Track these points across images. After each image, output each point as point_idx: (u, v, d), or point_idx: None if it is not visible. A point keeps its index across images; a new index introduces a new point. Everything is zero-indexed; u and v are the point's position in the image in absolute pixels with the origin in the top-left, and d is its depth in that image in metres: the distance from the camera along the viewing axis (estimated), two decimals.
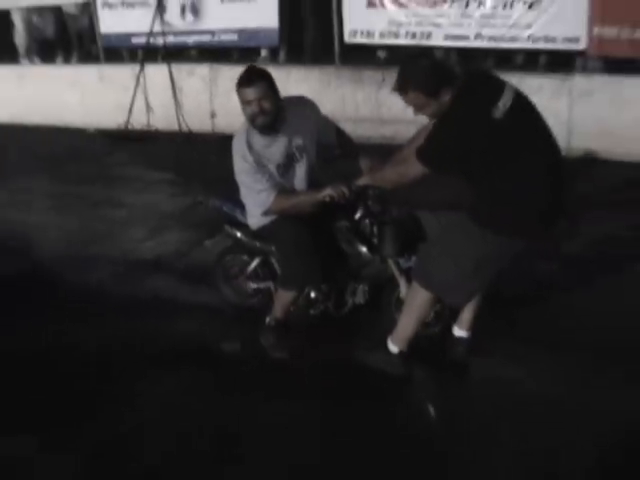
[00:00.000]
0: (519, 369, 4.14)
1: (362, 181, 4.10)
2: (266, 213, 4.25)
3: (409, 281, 4.27)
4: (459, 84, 3.51)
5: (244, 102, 4.05)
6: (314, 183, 4.33)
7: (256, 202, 4.24)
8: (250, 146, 4.12)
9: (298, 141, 4.24)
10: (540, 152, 3.57)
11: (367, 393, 4.04)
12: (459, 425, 3.74)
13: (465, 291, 3.90)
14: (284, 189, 4.22)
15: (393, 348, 4.13)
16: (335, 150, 4.56)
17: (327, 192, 4.05)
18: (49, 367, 4.42)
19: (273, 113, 4.05)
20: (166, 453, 3.64)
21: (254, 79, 4.01)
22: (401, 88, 3.57)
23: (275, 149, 4.19)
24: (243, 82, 4.03)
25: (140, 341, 4.69)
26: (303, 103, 4.36)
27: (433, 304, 3.99)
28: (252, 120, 4.07)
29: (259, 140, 4.16)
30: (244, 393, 4.07)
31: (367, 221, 4.32)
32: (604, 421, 3.67)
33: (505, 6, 8.47)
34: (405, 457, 3.54)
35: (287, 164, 4.25)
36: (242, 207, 4.48)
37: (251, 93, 4.00)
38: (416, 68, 3.57)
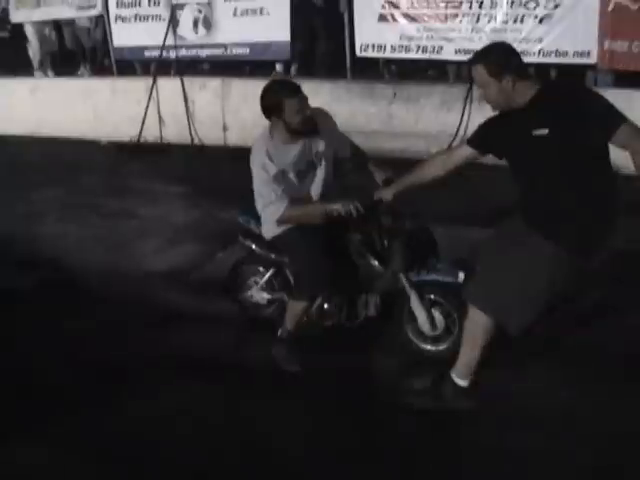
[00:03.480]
0: (532, 383, 4.16)
1: (379, 194, 4.16)
2: (278, 222, 4.29)
3: (420, 294, 4.30)
4: (541, 87, 3.54)
5: (293, 111, 4.11)
6: (328, 192, 4.39)
7: (269, 211, 4.29)
8: (270, 157, 4.16)
9: (318, 148, 4.32)
10: (608, 167, 3.59)
11: (377, 404, 4.07)
12: (468, 437, 3.76)
13: (530, 316, 3.69)
14: (297, 199, 4.25)
15: (461, 382, 3.91)
16: (347, 164, 4.60)
17: (335, 207, 4.10)
18: (62, 376, 4.45)
19: (304, 122, 4.16)
20: (178, 462, 3.67)
21: (297, 89, 4.12)
22: (473, 60, 3.63)
23: (296, 155, 4.25)
24: (291, 93, 4.11)
25: (153, 351, 4.71)
26: (322, 114, 4.41)
27: (494, 327, 3.74)
28: (302, 125, 4.15)
29: (280, 148, 4.22)
30: (255, 404, 4.09)
31: (378, 234, 4.34)
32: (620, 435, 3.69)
33: (516, 20, 8.50)
34: (414, 467, 3.57)
35: (306, 170, 4.32)
36: (256, 218, 4.52)
37: (297, 102, 4.10)
38: (491, 47, 3.69)
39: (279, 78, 4.25)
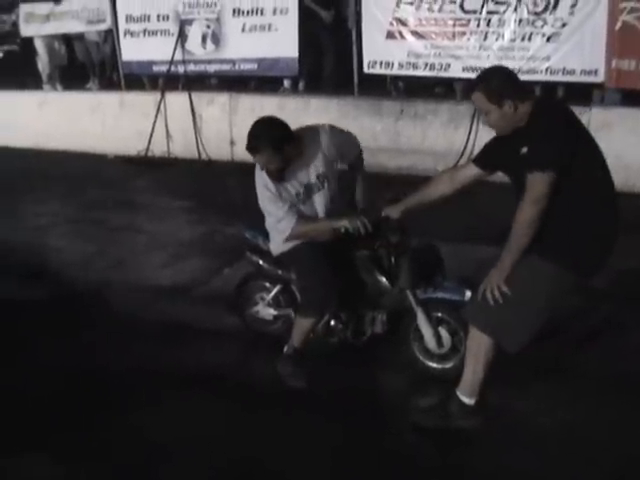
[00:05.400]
0: (532, 401, 4.14)
1: (386, 212, 4.18)
2: (287, 239, 4.29)
3: (427, 312, 4.29)
4: (534, 104, 3.52)
5: (258, 163, 4.19)
6: (337, 209, 4.39)
7: (278, 229, 4.30)
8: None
9: (319, 170, 4.29)
10: (608, 186, 3.56)
11: (383, 422, 4.05)
12: (473, 456, 3.73)
13: (528, 334, 3.64)
14: (304, 216, 4.27)
15: (467, 400, 3.85)
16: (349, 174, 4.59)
17: (343, 223, 4.12)
18: (66, 389, 4.44)
19: (279, 170, 4.16)
20: (181, 477, 3.68)
21: (257, 147, 4.06)
22: (472, 87, 3.61)
23: (292, 182, 4.25)
24: (248, 148, 4.11)
25: (158, 366, 4.71)
26: (319, 131, 4.35)
27: (496, 346, 3.70)
28: (269, 175, 4.20)
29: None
30: (260, 420, 4.08)
31: (385, 251, 4.33)
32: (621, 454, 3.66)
33: (523, 38, 8.52)
34: None
35: (307, 193, 4.30)
36: (264, 234, 4.54)
37: (256, 159, 4.14)
38: (488, 72, 3.67)
39: (261, 119, 4.19)
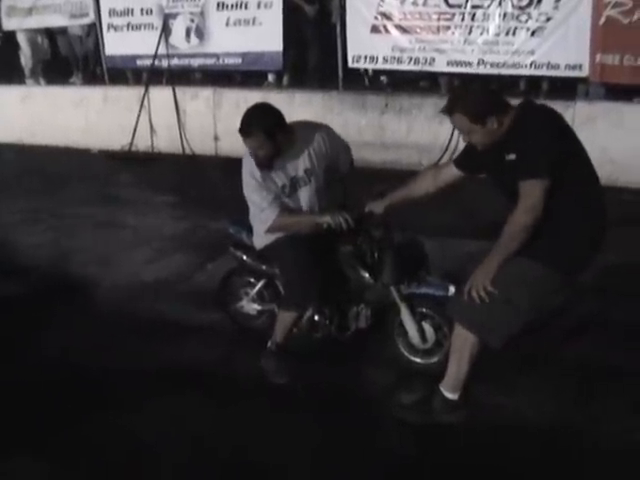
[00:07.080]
0: (517, 396, 4.13)
1: (369, 207, 4.18)
2: (268, 230, 4.28)
3: (410, 307, 4.28)
4: (516, 111, 3.46)
5: (248, 148, 4.17)
6: (321, 205, 4.38)
7: (260, 218, 4.29)
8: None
9: (306, 165, 4.27)
10: (593, 183, 3.55)
11: (367, 418, 4.03)
12: (457, 451, 3.72)
13: (512, 331, 3.62)
14: (288, 208, 4.26)
15: (451, 395, 3.84)
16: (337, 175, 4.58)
17: (325, 219, 4.11)
18: (51, 387, 4.39)
19: (268, 157, 4.14)
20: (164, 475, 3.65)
21: (250, 131, 4.06)
22: (447, 109, 3.52)
23: (279, 172, 4.23)
24: (241, 131, 4.11)
25: (142, 363, 4.67)
26: (315, 129, 4.36)
27: (480, 342, 3.68)
28: (257, 163, 4.18)
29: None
30: (243, 416, 4.06)
31: (368, 246, 4.31)
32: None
33: (508, 33, 8.53)
34: None
35: (292, 186, 4.29)
36: (248, 229, 4.52)
37: (247, 143, 4.12)
38: (465, 92, 3.60)
39: (256, 104, 4.20)
